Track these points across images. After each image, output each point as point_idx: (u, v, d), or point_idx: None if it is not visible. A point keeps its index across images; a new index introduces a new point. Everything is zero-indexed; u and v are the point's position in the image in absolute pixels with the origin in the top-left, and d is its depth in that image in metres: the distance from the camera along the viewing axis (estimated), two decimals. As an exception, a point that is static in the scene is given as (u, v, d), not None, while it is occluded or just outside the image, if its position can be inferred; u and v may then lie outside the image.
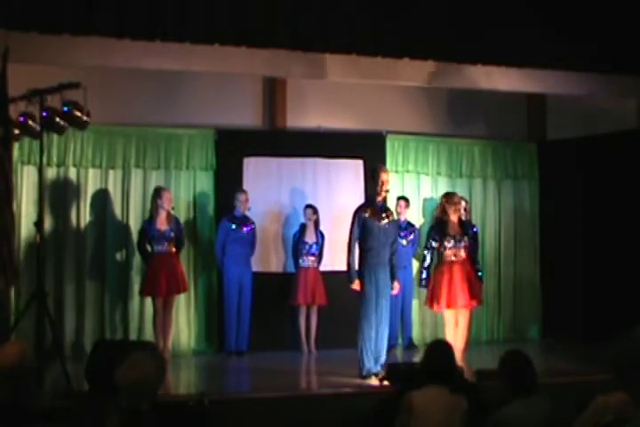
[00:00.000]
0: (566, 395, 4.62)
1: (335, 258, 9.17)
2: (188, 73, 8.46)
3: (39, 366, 5.92)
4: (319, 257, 9.31)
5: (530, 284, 10.44)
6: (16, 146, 8.00)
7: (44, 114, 6.73)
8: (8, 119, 6.64)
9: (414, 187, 10.11)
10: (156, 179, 9.19)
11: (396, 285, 7.45)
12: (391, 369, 7.00)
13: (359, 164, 9.72)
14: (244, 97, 9.70)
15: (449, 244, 8.24)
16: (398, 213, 9.19)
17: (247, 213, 9.09)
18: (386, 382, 6.91)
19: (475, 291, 8.28)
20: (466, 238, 8.32)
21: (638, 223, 9.08)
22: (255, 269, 9.16)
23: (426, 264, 8.38)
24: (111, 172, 9.09)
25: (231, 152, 9.38)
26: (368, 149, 9.71)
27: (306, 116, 9.77)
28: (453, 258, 8.25)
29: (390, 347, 9.04)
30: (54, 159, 8.81)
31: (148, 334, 8.83)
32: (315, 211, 9.29)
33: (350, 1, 7.33)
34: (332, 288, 9.14)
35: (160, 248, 8.66)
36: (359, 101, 9.87)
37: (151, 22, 6.72)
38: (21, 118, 6.98)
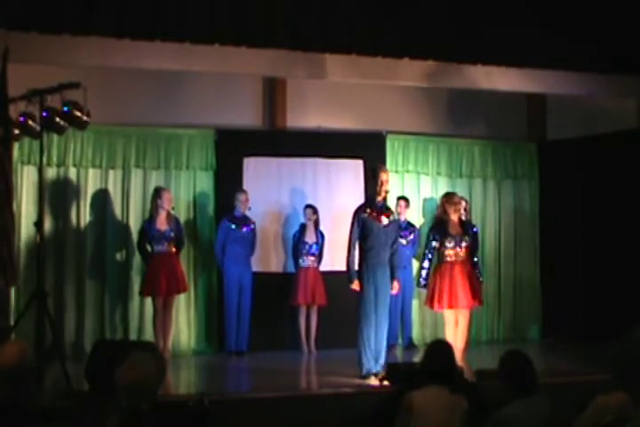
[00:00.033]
0: (566, 395, 4.62)
1: (335, 258, 9.17)
2: (188, 73, 8.46)
3: (39, 366, 5.92)
4: (319, 257, 9.31)
5: (530, 284, 10.44)
6: (16, 146, 8.00)
7: (44, 114, 6.73)
8: (8, 119, 6.64)
9: (414, 187, 10.11)
10: (156, 179, 9.19)
11: (396, 284, 7.45)
12: (391, 369, 7.00)
13: (359, 164, 9.72)
14: (244, 97, 9.70)
15: (450, 244, 8.24)
16: (398, 213, 9.19)
17: (247, 213, 9.09)
18: (386, 382, 6.91)
19: (476, 291, 8.29)
20: (466, 238, 8.31)
21: (638, 223, 9.08)
22: (255, 269, 9.16)
23: (426, 264, 8.37)
24: (111, 172, 9.09)
25: (231, 152, 9.38)
26: (368, 149, 9.71)
27: (306, 116, 9.77)
28: (454, 258, 8.24)
29: (390, 347, 9.08)
30: (54, 159, 8.81)
31: (148, 334, 8.83)
32: (315, 211, 9.29)
33: (350, 1, 7.33)
34: (332, 288, 9.14)
35: (160, 248, 8.66)
36: (359, 101, 9.87)
37: (151, 22, 6.72)
38: (21, 118, 6.97)
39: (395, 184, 9.56)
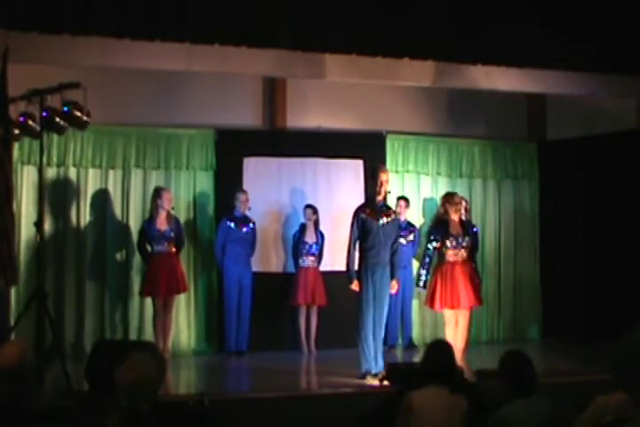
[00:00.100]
0: (566, 395, 4.62)
1: (335, 258, 9.17)
2: (188, 73, 8.46)
3: (39, 366, 5.93)
4: (319, 257, 9.31)
5: (530, 284, 10.44)
6: (16, 146, 8.01)
7: (44, 114, 6.73)
8: (8, 119, 6.64)
9: (414, 187, 10.11)
10: (155, 179, 9.19)
11: (395, 284, 7.45)
12: (391, 369, 6.99)
13: (359, 164, 9.71)
14: (244, 97, 9.70)
15: (450, 244, 8.24)
16: (398, 213, 9.18)
17: (247, 213, 9.09)
18: (386, 382, 6.91)
19: (476, 291, 8.29)
20: (467, 238, 8.32)
21: (638, 223, 9.08)
22: (255, 269, 9.16)
23: (426, 265, 8.37)
24: (111, 172, 9.09)
25: (231, 152, 9.38)
26: (368, 149, 9.71)
27: (306, 116, 9.77)
28: (455, 258, 8.25)
29: (390, 347, 9.10)
30: (54, 159, 8.81)
31: (148, 334, 8.83)
32: (314, 211, 9.29)
33: (350, 1, 7.33)
34: (331, 288, 9.14)
35: (160, 248, 8.66)
36: (359, 101, 9.87)
37: (151, 22, 6.72)
38: (21, 118, 6.97)
39: (395, 184, 9.56)
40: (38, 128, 6.88)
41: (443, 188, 10.00)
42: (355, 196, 9.33)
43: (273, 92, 9.73)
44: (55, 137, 8.20)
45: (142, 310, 8.97)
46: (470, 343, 8.59)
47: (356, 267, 7.41)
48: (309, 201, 9.46)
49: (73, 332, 8.78)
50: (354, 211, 7.51)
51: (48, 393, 5.95)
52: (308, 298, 9.17)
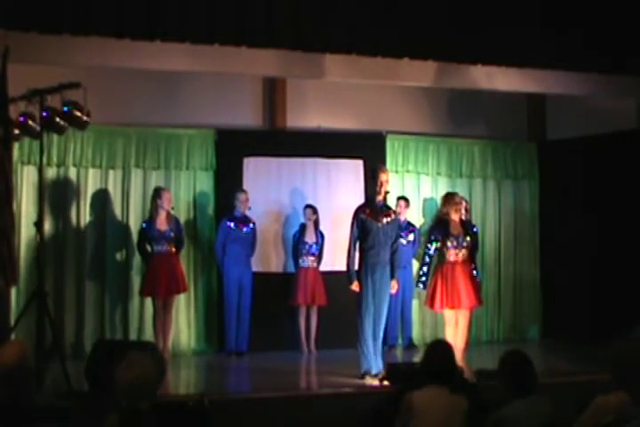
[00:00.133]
0: (566, 395, 4.62)
1: (335, 258, 9.17)
2: (188, 73, 8.46)
3: (39, 366, 5.94)
4: (319, 257, 9.31)
5: (530, 284, 10.44)
6: (16, 146, 8.00)
7: (44, 114, 6.73)
8: (8, 119, 6.64)
9: (414, 187, 10.10)
10: (155, 179, 9.19)
11: (395, 284, 7.45)
12: (391, 369, 7.00)
13: (359, 164, 9.71)
14: (244, 97, 9.70)
15: (451, 244, 8.24)
16: (398, 213, 9.18)
17: (247, 213, 9.08)
18: (386, 382, 6.92)
19: (477, 291, 8.30)
20: (468, 238, 8.32)
21: (638, 223, 9.08)
22: (255, 269, 9.16)
23: (426, 265, 8.37)
24: (111, 172, 9.09)
25: (231, 152, 9.37)
26: (368, 149, 9.71)
27: (306, 116, 9.77)
28: (455, 258, 8.25)
29: (390, 347, 9.09)
30: (54, 159, 8.81)
31: (148, 334, 8.83)
32: (314, 211, 9.29)
33: (350, 1, 7.33)
34: (331, 288, 9.14)
35: (160, 248, 8.66)
36: (359, 101, 9.87)
37: (151, 22, 6.73)
38: (21, 118, 6.97)
39: (395, 184, 9.56)
40: (38, 128, 6.88)
41: (443, 188, 10.00)
42: (355, 196, 9.33)
43: (273, 92, 9.73)
44: (55, 137, 8.20)
45: (142, 310, 8.97)
46: (470, 343, 8.59)
47: (356, 267, 7.42)
48: (309, 201, 9.46)
49: (73, 332, 8.78)
50: (354, 211, 7.51)
51: (48, 393, 5.96)
52: (307, 298, 9.17)
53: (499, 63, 7.90)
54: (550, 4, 7.88)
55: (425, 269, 8.37)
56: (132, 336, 8.86)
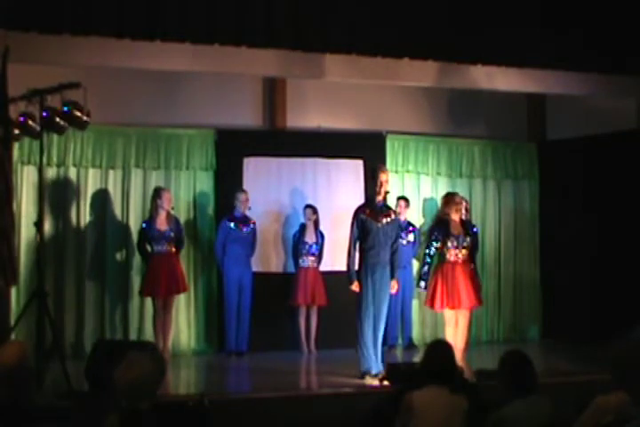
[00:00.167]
0: (566, 395, 4.62)
1: (335, 258, 9.17)
2: (188, 73, 8.46)
3: (39, 366, 5.94)
4: (319, 257, 9.31)
5: (530, 284, 10.44)
6: (16, 146, 8.01)
7: (44, 114, 6.73)
8: (8, 119, 6.64)
9: (414, 187, 10.10)
10: (155, 179, 9.19)
11: (395, 284, 7.45)
12: (391, 369, 7.00)
13: (359, 164, 9.71)
14: (244, 97, 9.70)
15: (452, 244, 8.24)
16: (398, 213, 9.18)
17: (247, 213, 9.08)
18: (386, 382, 6.92)
19: (477, 291, 8.30)
20: (468, 239, 8.32)
21: (638, 223, 9.08)
22: (255, 269, 9.16)
23: (427, 265, 8.36)
24: (111, 172, 9.09)
25: (231, 152, 9.37)
26: (368, 149, 9.71)
27: (306, 116, 9.77)
28: (455, 258, 8.25)
29: (390, 347, 9.09)
30: (54, 159, 8.81)
31: (148, 334, 8.83)
32: (314, 211, 9.29)
33: (350, 1, 7.33)
34: (331, 288, 9.14)
35: (160, 248, 8.66)
36: (359, 101, 9.87)
37: (151, 22, 6.73)
38: (21, 118, 6.97)
39: (395, 184, 9.56)
40: (38, 128, 6.88)
41: (443, 188, 10.00)
42: (355, 196, 9.33)
43: (273, 92, 9.73)
44: (55, 137, 8.20)
45: (142, 310, 8.97)
46: (470, 343, 8.59)
47: (356, 267, 7.42)
48: (309, 201, 9.46)
49: (73, 332, 8.78)
50: (354, 211, 7.51)
51: (48, 393, 5.96)
52: (307, 298, 9.17)
53: (499, 63, 7.90)
54: (550, 3, 7.88)
55: (425, 269, 8.36)
56: (132, 336, 8.86)
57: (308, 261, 9.26)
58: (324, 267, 9.34)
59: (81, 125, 7.08)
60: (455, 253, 8.25)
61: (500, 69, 7.98)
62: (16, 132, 7.07)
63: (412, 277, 9.51)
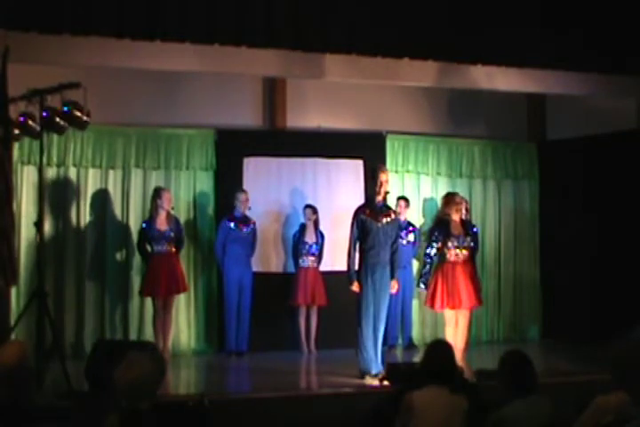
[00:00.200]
0: (566, 395, 4.62)
1: (335, 258, 9.17)
2: (188, 73, 8.46)
3: (39, 366, 5.95)
4: (319, 257, 9.31)
5: (530, 284, 10.44)
6: (16, 146, 8.00)
7: (44, 114, 6.73)
8: (8, 119, 6.64)
9: (414, 187, 10.10)
10: (155, 179, 9.19)
11: (395, 284, 7.45)
12: (391, 369, 7.00)
13: (359, 164, 9.71)
14: (244, 97, 9.70)
15: (452, 244, 8.24)
16: (398, 213, 9.18)
17: (247, 213, 9.08)
18: (386, 382, 6.91)
19: (477, 291, 8.30)
20: (468, 238, 8.32)
21: (638, 223, 9.08)
22: (255, 269, 9.16)
23: (427, 265, 8.36)
24: (111, 172, 9.09)
25: (231, 152, 9.37)
26: (368, 149, 9.71)
27: (306, 116, 9.77)
28: (456, 258, 8.25)
29: (390, 347, 9.09)
30: (54, 159, 8.81)
31: (148, 334, 8.83)
32: (314, 211, 9.29)
33: (350, 1, 7.33)
34: (331, 288, 9.14)
35: (160, 248, 8.65)
36: (359, 101, 9.87)
37: (151, 22, 6.73)
38: (21, 118, 6.97)
39: (395, 184, 9.56)
40: (38, 128, 6.88)
41: (443, 188, 10.00)
42: (355, 196, 9.33)
43: (273, 92, 9.73)
44: (55, 137, 8.20)
45: (142, 310, 8.97)
46: (470, 343, 8.59)
47: (355, 268, 7.42)
48: (309, 201, 9.46)
49: (73, 332, 8.78)
50: (354, 211, 7.51)
51: (48, 393, 5.96)
52: (307, 298, 9.17)
53: (499, 63, 7.90)
54: (550, 3, 7.88)
55: (426, 269, 8.36)
56: (132, 336, 8.86)
57: (308, 261, 9.26)
58: (324, 267, 9.33)
59: (81, 125, 7.08)
60: (455, 253, 8.25)
61: (500, 69, 7.98)
62: (16, 132, 7.07)
63: (412, 277, 9.51)
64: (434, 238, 8.32)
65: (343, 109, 9.89)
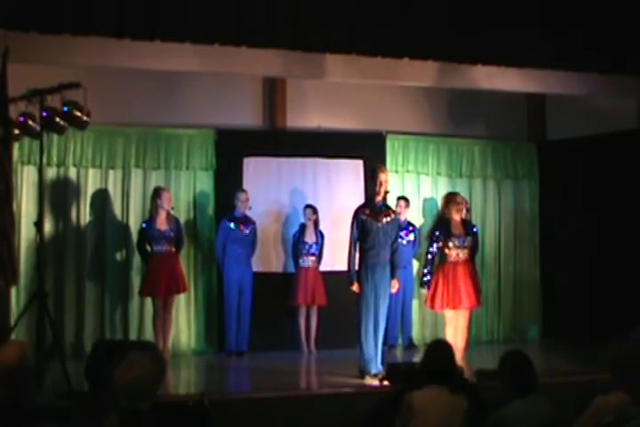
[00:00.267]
0: (566, 395, 4.62)
1: (335, 258, 9.17)
2: (188, 73, 8.46)
3: (39, 366, 5.94)
4: (319, 257, 9.31)
5: (530, 284, 10.43)
6: (16, 146, 8.00)
7: (44, 114, 6.73)
8: (8, 119, 6.64)
9: (414, 187, 10.10)
10: (155, 179, 9.19)
11: (395, 283, 7.45)
12: (391, 369, 7.00)
13: (359, 164, 9.71)
14: (244, 97, 9.70)
15: (453, 244, 8.24)
16: (398, 213, 9.18)
17: (247, 213, 9.08)
18: (386, 382, 6.92)
19: (477, 291, 8.30)
20: (469, 239, 8.32)
21: (638, 223, 9.08)
22: (255, 269, 9.15)
23: (429, 265, 8.36)
24: (111, 172, 9.09)
25: (231, 152, 9.37)
26: (368, 149, 9.71)
27: (306, 116, 9.77)
28: (457, 258, 8.25)
29: (390, 347, 9.09)
30: (54, 159, 8.81)
31: (148, 334, 8.83)
32: (314, 211, 9.29)
33: (350, 1, 7.33)
34: (331, 288, 9.14)
35: (160, 248, 8.66)
36: (359, 101, 9.87)
37: (151, 22, 6.73)
38: (21, 118, 6.97)
39: (395, 184, 9.57)
40: (38, 128, 6.88)
41: (443, 188, 10.01)
42: (355, 196, 9.33)
43: (273, 92, 9.73)
44: (55, 137, 8.20)
45: (142, 310, 8.97)
46: (470, 343, 8.59)
47: (356, 268, 7.42)
48: (309, 201, 9.46)
49: (73, 332, 8.78)
50: (354, 212, 7.52)
51: (48, 393, 5.96)
52: (307, 298, 9.17)
53: (499, 63, 7.90)
54: (550, 3, 7.88)
55: (428, 269, 8.36)
56: (132, 336, 8.86)
57: (308, 261, 9.26)
58: (324, 267, 9.33)
59: (81, 125, 7.08)
60: (456, 253, 8.26)
61: (500, 69, 7.98)
62: (16, 132, 7.07)
63: (412, 277, 9.52)
64: (435, 238, 8.32)
65: (343, 109, 9.89)
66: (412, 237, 9.57)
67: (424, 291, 8.56)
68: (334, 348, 8.97)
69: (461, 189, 9.99)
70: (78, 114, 6.91)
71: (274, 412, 6.24)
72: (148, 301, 8.81)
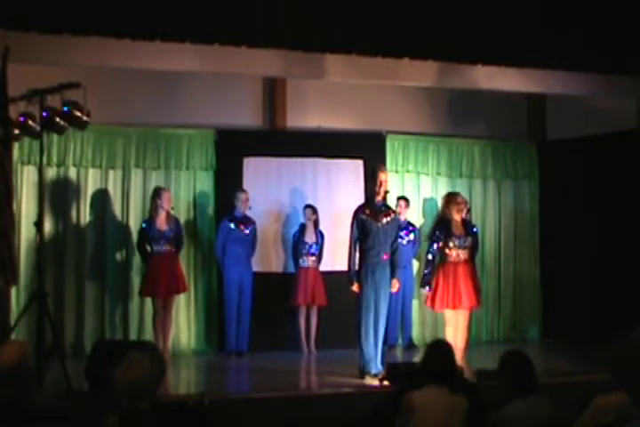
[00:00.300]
0: (566, 395, 4.62)
1: (335, 258, 9.17)
2: (188, 73, 8.46)
3: (39, 366, 5.94)
4: (319, 257, 9.31)
5: (530, 284, 10.43)
6: (16, 146, 8.01)
7: (44, 114, 6.73)
8: (8, 119, 6.64)
9: (414, 187, 10.10)
10: (155, 179, 9.19)
11: (396, 283, 7.45)
12: (391, 369, 7.00)
13: (359, 164, 9.71)
14: (244, 97, 9.70)
15: (453, 244, 8.24)
16: (398, 213, 9.18)
17: (248, 213, 9.08)
18: (386, 382, 6.91)
19: (478, 291, 8.30)
20: (469, 239, 8.33)
21: (638, 223, 9.08)
22: (255, 269, 9.15)
23: (429, 265, 8.36)
24: (111, 172, 9.09)
25: (231, 152, 9.37)
26: (368, 149, 9.71)
27: (306, 116, 9.77)
28: (457, 258, 8.25)
29: (390, 347, 9.09)
30: (54, 159, 8.81)
31: (148, 334, 8.83)
32: (314, 211, 9.29)
33: (350, 1, 7.33)
34: (331, 288, 9.14)
35: (160, 248, 8.66)
36: (359, 101, 9.87)
37: (151, 22, 6.73)
38: (21, 118, 6.98)
39: (395, 184, 9.57)
40: (38, 128, 6.88)
41: (443, 188, 10.01)
42: (355, 196, 9.33)
43: (273, 92, 9.73)
44: (55, 137, 8.20)
45: (142, 310, 8.97)
46: (470, 343, 8.59)
47: (356, 268, 7.42)
48: (309, 201, 9.46)
49: (73, 332, 8.78)
50: (353, 212, 7.52)
51: (48, 393, 5.96)
52: (307, 298, 9.17)
53: (499, 63, 7.89)
54: (550, 3, 7.88)
55: (429, 269, 8.36)
56: (132, 336, 8.86)
57: (308, 261, 9.26)
58: (324, 267, 9.33)
59: (81, 125, 7.08)
60: (457, 253, 8.26)
61: (500, 69, 7.98)
62: (16, 132, 7.07)
63: (412, 276, 9.52)
64: (435, 238, 8.32)
65: (343, 109, 9.89)
66: (411, 237, 9.57)
67: (424, 291, 8.55)
68: (334, 348, 8.97)
69: (461, 189, 9.99)
70: (78, 114, 6.92)
71: (274, 412, 6.24)
72: (148, 301, 8.81)
